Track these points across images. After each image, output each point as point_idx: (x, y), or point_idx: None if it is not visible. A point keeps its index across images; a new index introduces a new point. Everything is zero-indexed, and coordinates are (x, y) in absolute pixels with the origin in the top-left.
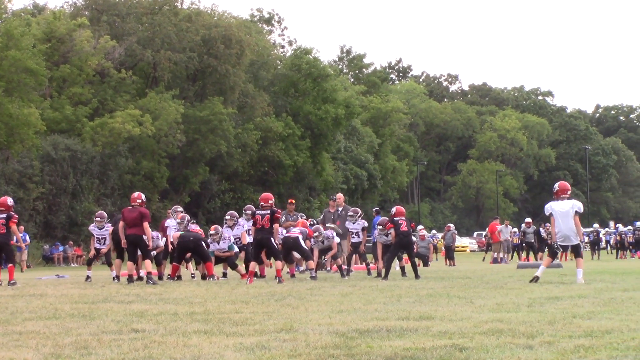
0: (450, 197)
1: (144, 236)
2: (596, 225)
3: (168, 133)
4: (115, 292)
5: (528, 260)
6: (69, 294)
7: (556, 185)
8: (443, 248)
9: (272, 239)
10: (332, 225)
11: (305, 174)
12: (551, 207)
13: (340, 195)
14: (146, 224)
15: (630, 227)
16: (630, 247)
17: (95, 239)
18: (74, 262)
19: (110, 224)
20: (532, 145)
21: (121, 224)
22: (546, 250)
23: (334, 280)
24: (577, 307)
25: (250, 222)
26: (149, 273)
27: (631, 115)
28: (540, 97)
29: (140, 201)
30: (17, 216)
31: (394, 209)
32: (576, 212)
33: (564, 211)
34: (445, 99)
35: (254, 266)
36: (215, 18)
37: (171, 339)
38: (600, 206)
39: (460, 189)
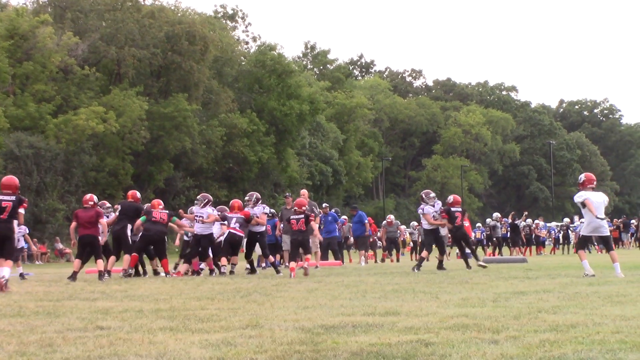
0: (415, 192)
1: (98, 236)
2: (567, 220)
3: (132, 130)
4: (80, 290)
5: (494, 255)
6: (33, 292)
7: (582, 176)
8: (410, 243)
9: (309, 239)
10: None
11: (270, 170)
12: (585, 194)
13: (304, 192)
14: (102, 221)
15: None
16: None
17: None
18: (38, 259)
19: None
20: (496, 140)
21: (73, 224)
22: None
23: (299, 276)
24: (543, 302)
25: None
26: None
27: (595, 110)
28: (504, 92)
29: (92, 203)
30: (27, 200)
31: (450, 197)
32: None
33: (599, 201)
34: (410, 95)
35: (294, 263)
36: (179, 14)
37: (136, 336)
38: (565, 201)
39: (425, 184)
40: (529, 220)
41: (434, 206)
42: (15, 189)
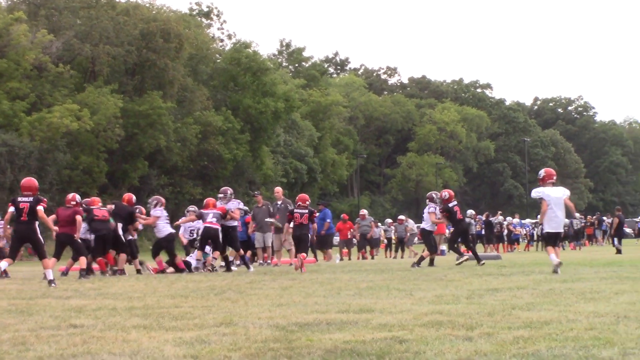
0: (390, 190)
1: (74, 235)
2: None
3: (107, 127)
4: (54, 288)
5: (468, 252)
6: (6, 290)
7: (542, 172)
8: (385, 240)
9: (309, 234)
10: (272, 220)
11: (245, 168)
12: (543, 192)
13: (278, 189)
14: (78, 218)
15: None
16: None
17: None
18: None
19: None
20: (471, 137)
21: (53, 217)
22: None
23: (273, 273)
24: (516, 299)
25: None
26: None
27: (569, 108)
28: (479, 90)
29: (74, 202)
30: (45, 200)
31: (445, 193)
32: (567, 197)
33: (558, 198)
34: (385, 92)
35: (303, 256)
36: (154, 12)
37: (110, 334)
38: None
39: (400, 181)
40: (501, 218)
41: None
42: (35, 190)
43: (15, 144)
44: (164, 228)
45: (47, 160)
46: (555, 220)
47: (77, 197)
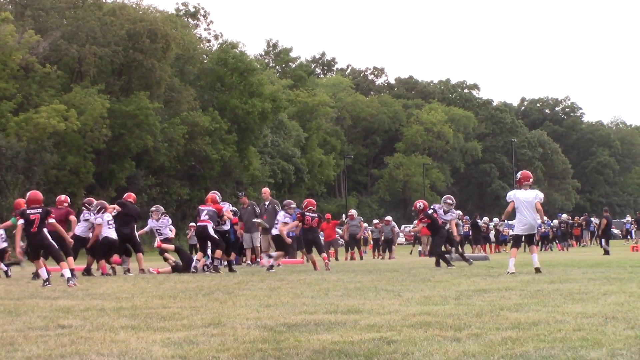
0: (377, 190)
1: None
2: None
3: (94, 128)
4: (42, 288)
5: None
6: None
7: (518, 174)
8: (371, 241)
9: (319, 236)
10: (259, 220)
11: (232, 168)
12: (515, 195)
13: (266, 190)
14: (72, 217)
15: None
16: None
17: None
18: None
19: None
20: (458, 138)
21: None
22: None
23: (261, 274)
24: (504, 300)
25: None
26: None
27: (556, 108)
28: (466, 90)
29: (66, 204)
30: (53, 209)
31: (420, 204)
32: (538, 201)
33: (529, 200)
34: (372, 93)
35: (325, 257)
36: (140, 12)
37: (98, 334)
38: None
39: (387, 182)
40: (486, 219)
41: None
42: (41, 202)
43: (2, 144)
44: (106, 232)
45: (34, 161)
46: (523, 222)
47: (68, 199)
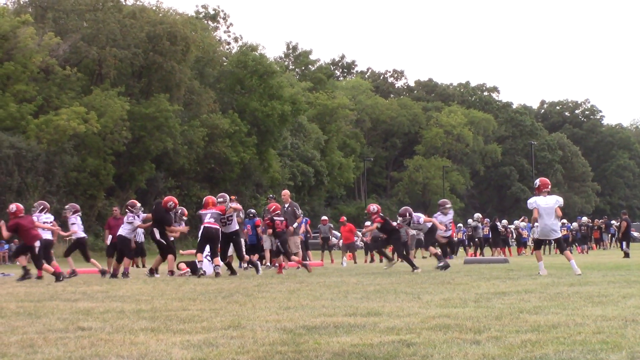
0: (397, 193)
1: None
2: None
3: (114, 130)
4: (62, 290)
5: (475, 255)
6: (14, 292)
7: (537, 181)
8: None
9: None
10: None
11: (252, 171)
12: (536, 202)
13: (286, 192)
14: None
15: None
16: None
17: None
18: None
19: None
20: (478, 140)
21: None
22: (528, 245)
23: (280, 276)
24: (524, 302)
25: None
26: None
27: (576, 111)
28: (486, 93)
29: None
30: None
31: (374, 207)
32: (559, 206)
33: (548, 207)
34: (391, 95)
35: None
36: (160, 15)
37: (118, 336)
38: None
39: (407, 184)
40: (505, 221)
41: (446, 215)
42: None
43: (23, 147)
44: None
45: (54, 163)
46: (543, 228)
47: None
